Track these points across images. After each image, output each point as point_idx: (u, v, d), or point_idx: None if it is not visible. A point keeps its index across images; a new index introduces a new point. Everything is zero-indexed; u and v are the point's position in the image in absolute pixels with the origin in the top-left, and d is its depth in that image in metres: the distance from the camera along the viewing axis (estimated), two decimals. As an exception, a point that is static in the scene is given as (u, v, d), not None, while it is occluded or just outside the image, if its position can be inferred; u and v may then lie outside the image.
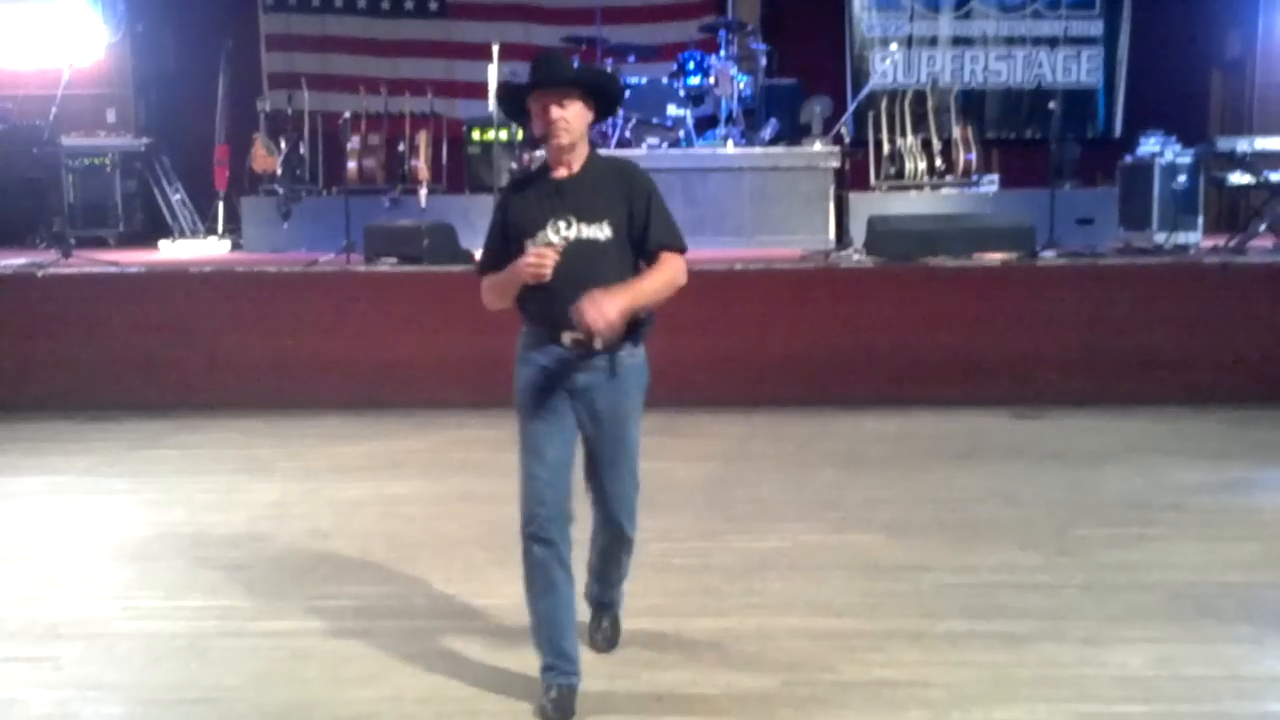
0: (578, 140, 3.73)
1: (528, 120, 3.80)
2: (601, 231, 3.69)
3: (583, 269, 3.61)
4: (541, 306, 3.72)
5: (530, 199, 3.76)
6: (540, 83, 3.70)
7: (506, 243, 3.75)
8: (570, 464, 3.82)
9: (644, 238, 3.74)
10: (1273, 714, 3.73)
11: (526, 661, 4.05)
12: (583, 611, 4.06)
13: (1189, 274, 8.42)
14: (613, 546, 4.02)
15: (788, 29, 12.48)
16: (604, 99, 3.86)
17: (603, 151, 4.33)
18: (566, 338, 3.72)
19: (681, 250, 3.80)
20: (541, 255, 3.58)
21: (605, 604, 4.25)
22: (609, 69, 10.72)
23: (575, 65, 4.27)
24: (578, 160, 3.76)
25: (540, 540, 3.73)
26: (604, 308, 3.45)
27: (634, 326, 3.72)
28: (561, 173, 3.76)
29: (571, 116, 3.68)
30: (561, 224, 3.67)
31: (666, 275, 3.73)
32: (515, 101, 3.83)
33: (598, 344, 3.66)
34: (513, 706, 3.75)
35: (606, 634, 4.24)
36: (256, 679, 3.98)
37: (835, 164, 10.28)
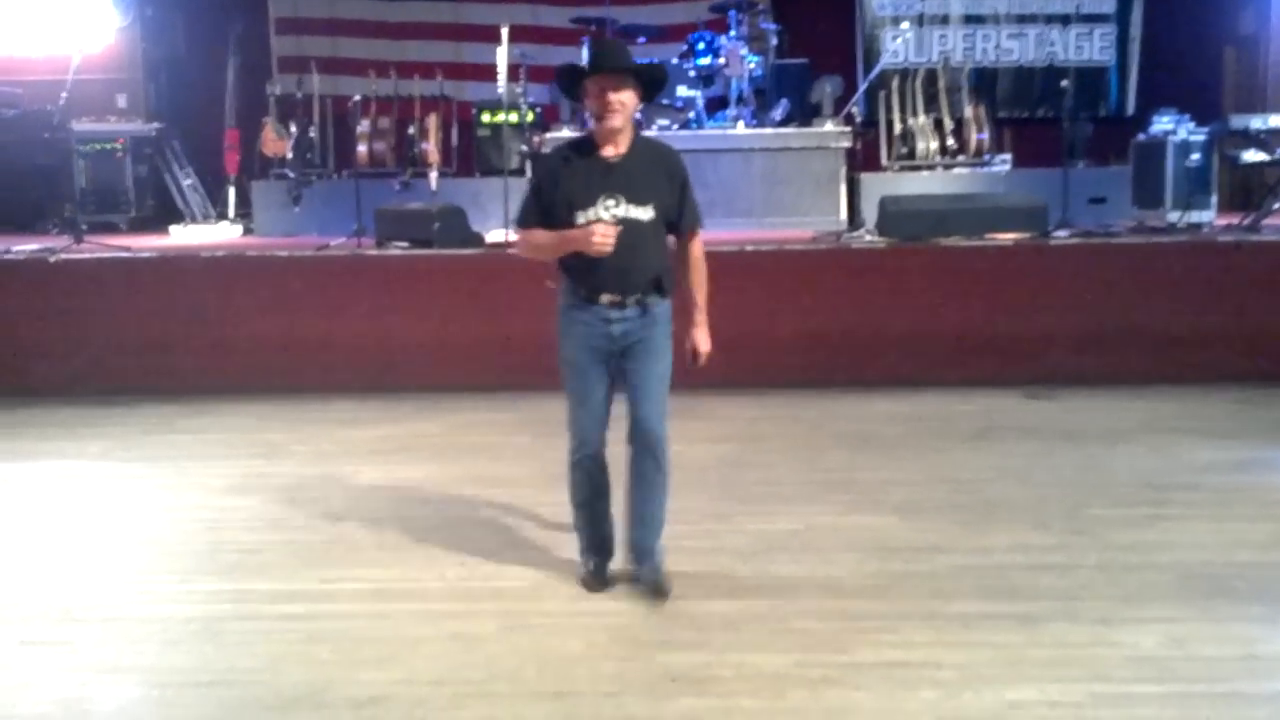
0: (628, 123, 4.25)
1: (580, 99, 4.32)
2: (645, 213, 4.26)
3: (626, 245, 4.18)
4: (585, 272, 4.27)
5: (580, 172, 4.27)
6: (601, 67, 4.21)
7: (549, 204, 4.28)
8: (608, 403, 4.42)
9: (680, 219, 4.39)
10: (1287, 693, 3.72)
11: (540, 644, 4.07)
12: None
13: (1203, 253, 8.38)
14: (648, 469, 4.43)
15: (798, 8, 12.41)
16: (652, 87, 4.37)
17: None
18: (604, 299, 4.30)
19: (699, 230, 4.49)
20: (606, 235, 4.12)
21: (646, 550, 4.50)
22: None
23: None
24: (625, 141, 4.28)
25: (586, 461, 4.43)
26: (704, 347, 4.52)
27: (659, 283, 4.35)
28: (610, 151, 4.27)
29: (626, 100, 4.20)
30: (611, 202, 4.22)
31: (703, 266, 4.48)
32: (574, 81, 4.34)
33: (630, 302, 4.30)
34: (527, 688, 3.76)
35: (650, 581, 4.46)
36: (271, 661, 4.00)
37: (846, 144, 10.24)
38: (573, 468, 4.47)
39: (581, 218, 4.22)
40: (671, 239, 4.46)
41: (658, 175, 4.33)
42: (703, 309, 4.48)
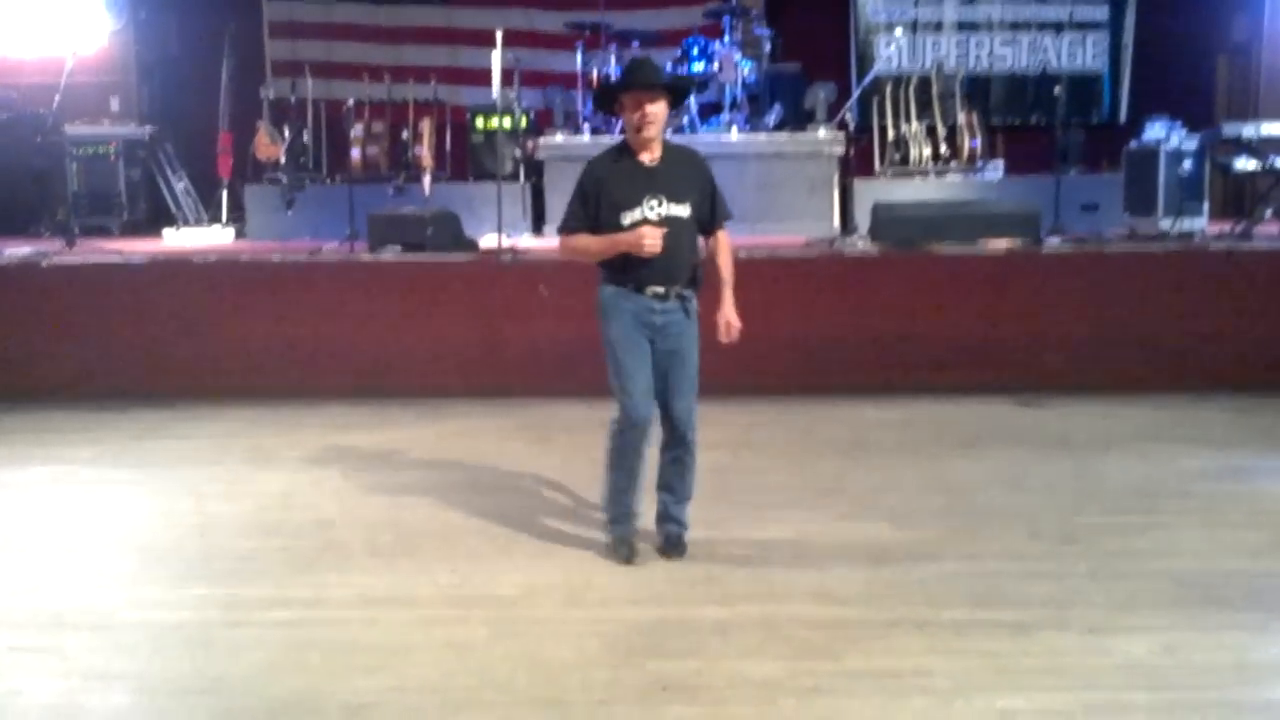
0: (658, 133, 4.74)
1: (616, 112, 4.84)
2: (684, 210, 4.74)
3: (670, 241, 4.65)
4: (631, 267, 4.70)
5: (624, 178, 4.73)
6: (635, 84, 4.72)
7: (595, 209, 4.72)
8: (653, 387, 4.79)
9: (712, 216, 4.89)
10: (1277, 701, 3.73)
11: (532, 651, 4.06)
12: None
13: (1194, 260, 8.40)
14: (680, 453, 4.92)
15: (792, 14, 12.41)
16: (678, 98, 5.03)
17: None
18: (649, 291, 4.73)
19: (728, 220, 5.00)
20: (655, 237, 4.60)
21: (672, 518, 5.00)
22: (612, 55, 10.71)
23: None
24: (658, 147, 4.77)
25: (636, 436, 4.78)
26: (736, 326, 4.90)
27: (694, 277, 4.82)
28: (647, 158, 4.75)
29: (659, 112, 4.70)
30: (654, 202, 4.68)
31: (731, 256, 4.96)
32: (609, 96, 4.95)
33: (672, 295, 4.74)
34: (518, 695, 3.76)
35: (671, 541, 4.96)
36: (261, 668, 3.99)
37: (840, 150, 10.25)
38: (620, 437, 4.81)
39: (627, 218, 4.67)
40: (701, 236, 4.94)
41: (691, 177, 4.83)
42: (731, 287, 4.90)
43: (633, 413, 4.76)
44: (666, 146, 4.83)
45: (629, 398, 4.75)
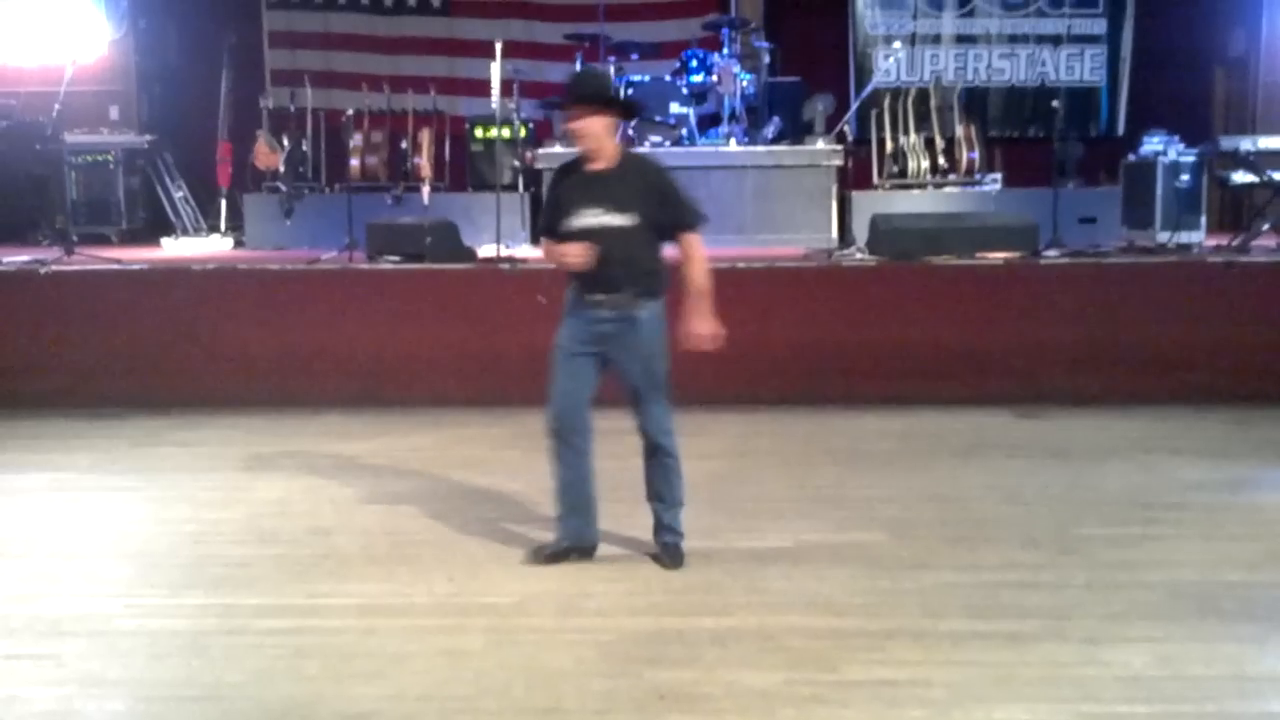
0: (597, 144, 4.80)
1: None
2: (627, 220, 4.75)
3: (612, 249, 4.72)
4: (574, 276, 4.84)
5: (572, 186, 4.87)
6: (565, 100, 4.89)
7: (555, 215, 4.88)
8: (586, 390, 4.93)
9: (666, 225, 4.83)
10: (1275, 714, 3.72)
11: (529, 660, 4.06)
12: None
13: (1192, 273, 8.42)
14: (660, 459, 5.00)
15: (790, 27, 12.46)
16: (618, 109, 5.10)
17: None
18: (589, 299, 4.82)
19: (696, 224, 4.88)
20: (580, 255, 4.69)
21: (666, 526, 5.06)
22: (612, 67, 10.73)
23: (602, 80, 5.57)
24: (609, 157, 4.83)
25: (558, 436, 4.93)
26: (706, 333, 4.84)
27: (645, 285, 4.81)
28: (596, 167, 4.84)
29: (587, 126, 4.77)
30: (595, 211, 4.76)
31: (700, 262, 4.84)
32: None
33: (612, 303, 4.78)
34: (515, 704, 3.75)
35: (669, 551, 5.02)
36: (258, 676, 3.98)
37: (838, 162, 10.28)
38: (549, 445, 4.98)
39: (569, 225, 4.80)
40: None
41: (640, 186, 4.83)
42: (700, 294, 4.82)
43: (553, 419, 4.93)
44: (623, 157, 4.92)
45: (551, 403, 4.93)
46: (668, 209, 4.84)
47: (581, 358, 4.89)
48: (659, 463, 5.01)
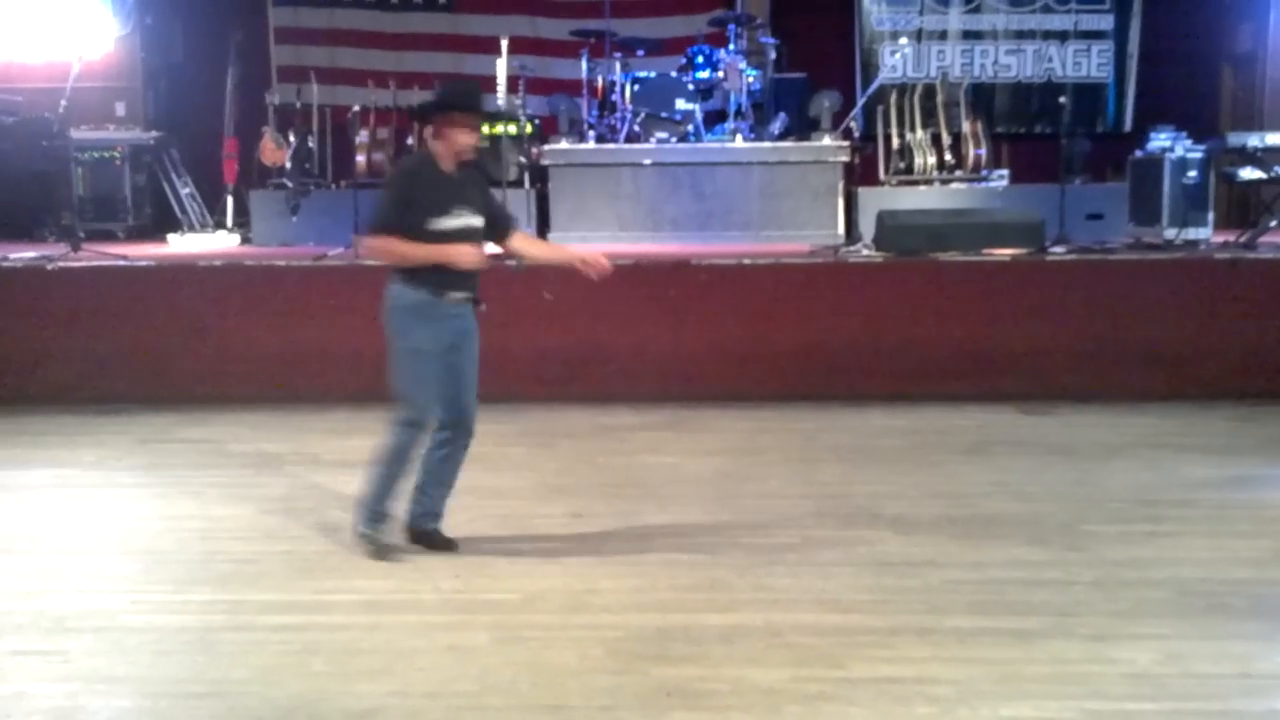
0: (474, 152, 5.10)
1: (439, 124, 5.00)
2: (479, 221, 5.02)
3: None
4: (439, 275, 4.90)
5: (434, 186, 4.95)
6: (479, 107, 5.17)
7: (404, 214, 4.89)
8: (444, 393, 5.05)
9: (504, 225, 5.18)
10: (1282, 711, 3.72)
11: (534, 657, 4.06)
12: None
13: (1199, 269, 8.40)
14: (462, 446, 5.15)
15: (796, 23, 12.43)
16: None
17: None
18: (450, 297, 4.96)
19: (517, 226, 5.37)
20: (476, 255, 4.92)
21: (439, 512, 5.21)
22: (617, 63, 10.72)
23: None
24: (455, 162, 5.02)
25: (416, 435, 5.04)
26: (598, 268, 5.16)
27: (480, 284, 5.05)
28: (449, 170, 4.98)
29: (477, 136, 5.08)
30: (462, 212, 4.94)
31: (542, 242, 5.28)
32: (442, 109, 5.04)
33: (468, 301, 5.01)
34: (521, 701, 3.75)
35: (441, 538, 5.19)
36: (264, 672, 3.99)
37: (844, 158, 10.25)
38: (405, 439, 5.03)
39: (440, 224, 4.89)
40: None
41: (482, 190, 5.15)
42: (561, 250, 5.37)
43: (423, 418, 5.02)
44: (463, 162, 5.12)
45: (423, 404, 5.01)
46: (500, 212, 5.23)
47: (440, 359, 4.99)
48: (455, 451, 5.14)
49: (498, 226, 5.13)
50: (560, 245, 5.15)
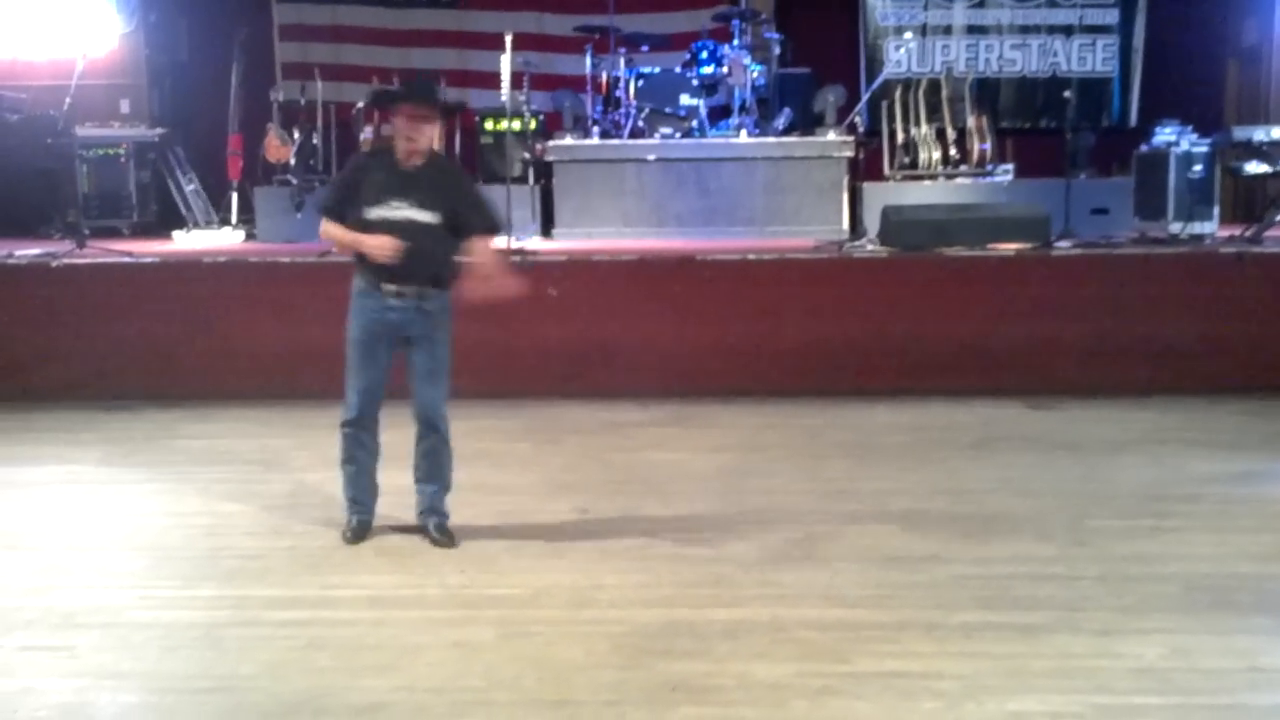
0: (426, 143, 5.06)
1: (389, 117, 5.25)
2: (430, 217, 5.00)
3: (412, 243, 4.94)
4: (372, 265, 5.03)
5: (380, 176, 5.05)
6: (413, 99, 5.06)
7: (348, 198, 5.07)
8: (382, 382, 5.20)
9: (468, 226, 5.10)
10: (1289, 706, 3.72)
11: (540, 652, 4.07)
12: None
13: (1205, 264, 8.38)
14: (433, 444, 5.24)
15: (801, 18, 12.42)
16: (446, 113, 5.61)
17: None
18: (385, 289, 5.03)
19: (497, 230, 5.32)
20: (388, 247, 4.91)
21: (433, 509, 5.27)
22: (621, 59, 10.72)
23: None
24: (421, 157, 5.05)
25: (354, 431, 5.22)
26: (505, 286, 5.14)
27: (437, 278, 5.07)
28: (408, 163, 5.02)
29: (425, 126, 5.03)
30: (398, 204, 4.97)
31: (493, 256, 5.22)
32: (387, 102, 5.25)
33: (409, 293, 5.03)
34: (526, 696, 3.76)
35: (438, 533, 5.22)
36: (271, 668, 3.99)
37: (849, 154, 10.24)
38: (342, 432, 5.23)
39: (370, 214, 4.98)
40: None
41: (446, 188, 5.11)
42: (490, 271, 5.14)
43: (352, 410, 5.18)
44: (432, 158, 5.15)
45: (354, 395, 5.17)
46: (475, 213, 5.13)
47: (377, 347, 5.12)
48: (431, 446, 5.22)
49: (463, 227, 5.10)
50: (500, 266, 5.23)
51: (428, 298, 5.08)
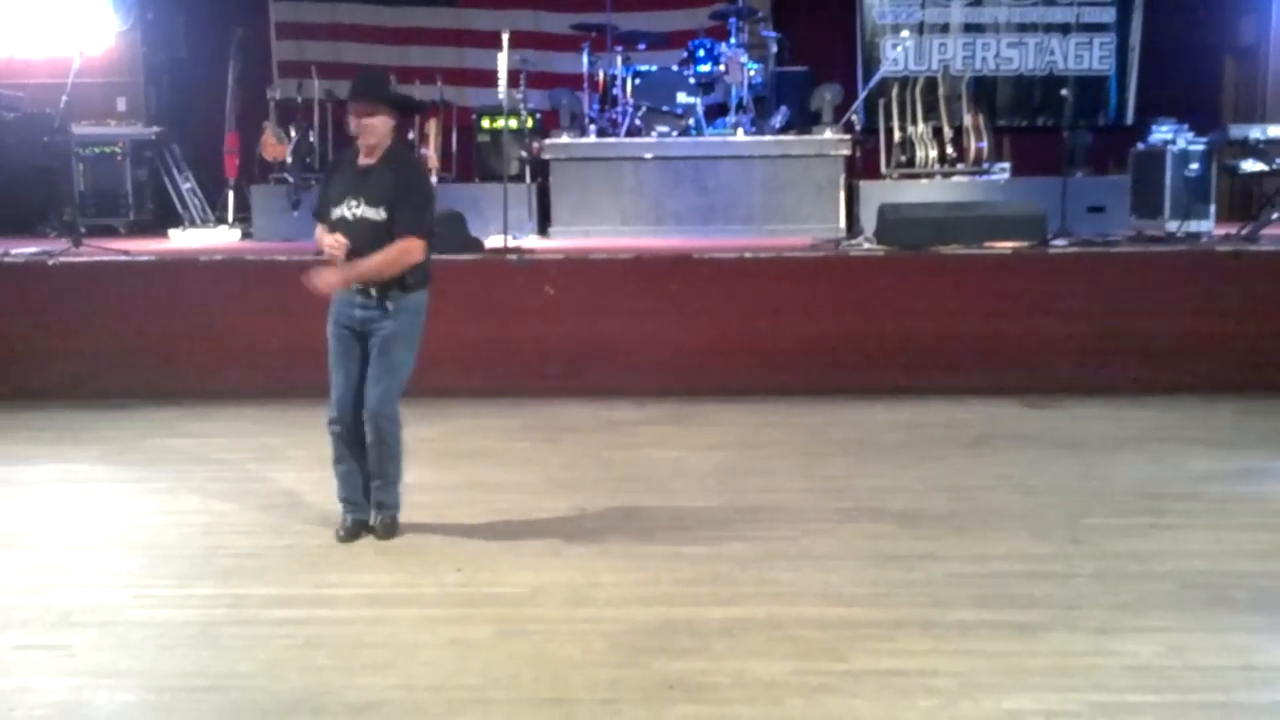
0: (378, 140, 5.09)
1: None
2: (378, 214, 5.03)
3: (361, 242, 5.00)
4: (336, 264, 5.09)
5: (342, 176, 5.19)
6: (353, 99, 5.14)
7: (325, 199, 5.19)
8: (361, 378, 5.16)
9: (393, 221, 5.04)
10: (1285, 703, 3.72)
11: (537, 651, 4.07)
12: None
13: (1201, 262, 8.39)
14: (376, 440, 5.17)
15: (798, 16, 12.42)
16: (400, 108, 5.34)
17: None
18: (353, 287, 5.07)
19: (414, 234, 5.05)
20: (333, 247, 5.02)
21: (383, 503, 5.29)
22: (619, 56, 10.72)
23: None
24: (378, 154, 5.11)
25: (339, 429, 5.21)
26: (317, 279, 5.03)
27: (400, 280, 5.06)
28: (365, 161, 5.12)
29: (374, 124, 5.07)
30: (353, 203, 5.05)
31: (389, 255, 5.00)
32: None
33: (372, 291, 5.04)
34: (524, 694, 3.76)
35: (384, 526, 5.27)
36: (268, 666, 3.99)
37: (846, 152, 10.25)
38: (330, 431, 5.25)
39: (333, 213, 5.09)
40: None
41: (390, 183, 5.07)
42: (356, 267, 5.00)
43: (332, 408, 5.21)
44: (390, 153, 5.14)
45: (332, 391, 5.21)
46: (403, 209, 5.03)
47: (348, 344, 5.16)
48: (377, 442, 5.19)
49: (393, 221, 5.05)
50: (363, 268, 5.01)
51: (391, 297, 5.08)
